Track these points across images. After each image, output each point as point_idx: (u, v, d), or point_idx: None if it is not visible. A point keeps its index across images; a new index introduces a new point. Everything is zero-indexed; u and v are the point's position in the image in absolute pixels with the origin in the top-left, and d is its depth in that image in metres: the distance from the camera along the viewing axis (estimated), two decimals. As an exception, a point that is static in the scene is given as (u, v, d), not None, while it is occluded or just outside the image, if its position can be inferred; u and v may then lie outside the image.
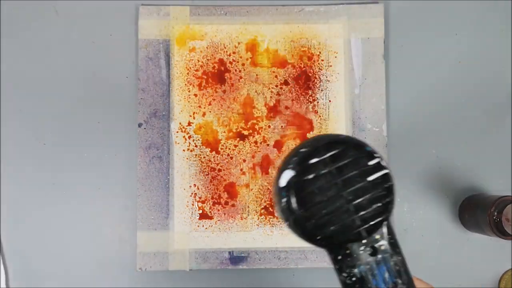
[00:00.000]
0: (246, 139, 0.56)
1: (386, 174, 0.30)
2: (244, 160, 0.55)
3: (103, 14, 0.57)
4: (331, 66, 0.56)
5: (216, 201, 0.55)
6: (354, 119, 0.56)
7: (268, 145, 0.56)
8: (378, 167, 0.30)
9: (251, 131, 0.56)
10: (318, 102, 0.56)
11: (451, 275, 0.56)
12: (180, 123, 0.56)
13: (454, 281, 0.56)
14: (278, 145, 0.56)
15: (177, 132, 0.55)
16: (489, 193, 0.56)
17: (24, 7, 0.57)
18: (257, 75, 0.56)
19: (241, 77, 0.56)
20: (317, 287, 0.56)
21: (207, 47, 0.56)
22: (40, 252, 0.55)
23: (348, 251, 0.30)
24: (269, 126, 0.56)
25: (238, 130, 0.56)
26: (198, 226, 0.55)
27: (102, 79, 0.57)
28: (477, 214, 0.52)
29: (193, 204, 0.55)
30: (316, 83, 0.56)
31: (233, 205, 0.55)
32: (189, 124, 0.56)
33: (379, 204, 0.30)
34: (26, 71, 0.56)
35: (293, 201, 0.30)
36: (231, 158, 0.55)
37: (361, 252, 0.31)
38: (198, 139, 0.56)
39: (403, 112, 0.57)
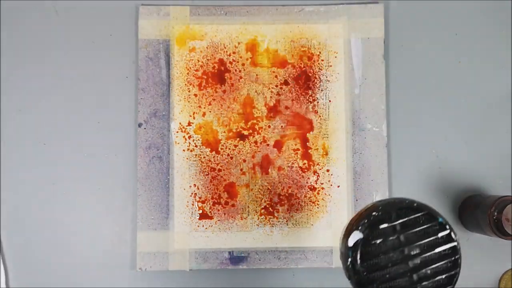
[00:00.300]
0: (246, 139, 0.56)
1: (454, 247, 0.31)
2: (244, 160, 0.55)
3: (103, 14, 0.57)
4: (331, 66, 0.56)
5: (216, 201, 0.55)
6: (354, 119, 0.56)
7: (268, 145, 0.56)
8: (449, 239, 0.31)
9: (251, 131, 0.56)
10: (318, 102, 0.56)
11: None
12: (180, 123, 0.56)
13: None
14: (278, 145, 0.56)
15: (177, 132, 0.55)
16: (489, 193, 0.56)
17: (24, 7, 0.57)
18: (257, 75, 0.56)
19: (241, 77, 0.56)
20: (317, 287, 0.56)
21: (207, 47, 0.56)
22: (40, 252, 0.55)
23: None
24: (269, 126, 0.56)
25: (238, 130, 0.56)
26: (198, 226, 0.55)
27: (102, 79, 0.57)
28: (477, 214, 0.52)
29: (193, 204, 0.55)
30: (316, 83, 0.56)
31: (233, 205, 0.55)
32: (189, 124, 0.56)
33: (442, 277, 0.30)
34: (26, 71, 0.56)
35: (359, 262, 0.31)
36: (231, 158, 0.55)
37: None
38: (198, 139, 0.56)
39: (403, 112, 0.57)
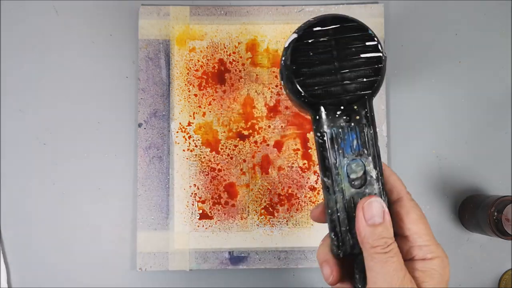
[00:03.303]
0: (246, 139, 0.56)
1: (379, 57, 0.34)
2: (244, 160, 0.55)
3: (103, 14, 0.57)
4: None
5: (216, 201, 0.55)
6: (354, 119, 0.56)
7: (268, 145, 0.56)
8: (375, 49, 0.34)
9: (251, 131, 0.56)
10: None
11: (451, 275, 0.56)
12: (180, 123, 0.56)
13: (454, 281, 0.56)
14: (278, 145, 0.56)
15: (177, 132, 0.55)
16: (489, 193, 0.56)
17: (24, 7, 0.57)
18: (257, 75, 0.56)
19: (241, 77, 0.56)
20: (317, 287, 0.56)
21: (207, 47, 0.56)
22: (40, 252, 0.55)
23: (326, 112, 0.33)
24: (269, 126, 0.56)
25: (238, 130, 0.56)
26: (198, 226, 0.55)
27: (102, 79, 0.57)
28: (477, 214, 0.52)
29: (193, 204, 0.55)
30: (316, 83, 0.56)
31: (233, 205, 0.55)
32: (189, 124, 0.56)
33: (364, 80, 0.33)
34: (26, 71, 0.56)
35: (289, 58, 0.34)
36: (231, 158, 0.55)
37: (337, 116, 0.34)
38: (198, 139, 0.56)
39: (403, 112, 0.57)
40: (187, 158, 0.55)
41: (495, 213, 0.49)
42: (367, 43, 0.34)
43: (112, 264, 0.55)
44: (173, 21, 0.56)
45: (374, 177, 0.33)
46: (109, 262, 0.55)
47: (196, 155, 0.55)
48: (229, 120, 0.56)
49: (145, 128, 0.56)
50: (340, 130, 0.33)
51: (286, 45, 0.34)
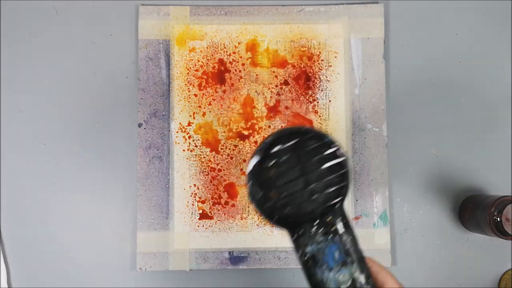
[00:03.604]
0: (246, 139, 0.56)
1: (341, 162, 0.34)
2: (244, 160, 0.55)
3: (103, 14, 0.57)
4: (331, 66, 0.56)
5: (216, 201, 0.55)
6: (354, 119, 0.56)
7: (268, 145, 0.56)
8: (334, 156, 0.34)
9: (251, 131, 0.56)
10: (318, 102, 0.56)
11: (451, 275, 0.56)
12: (180, 123, 0.56)
13: (454, 281, 0.56)
14: (278, 145, 0.56)
15: (177, 132, 0.55)
16: (489, 193, 0.56)
17: (24, 7, 0.57)
18: (257, 75, 0.56)
19: (241, 77, 0.56)
20: (317, 287, 0.56)
21: (207, 47, 0.56)
22: (40, 252, 0.55)
23: (302, 231, 0.33)
24: (269, 126, 0.56)
25: (238, 130, 0.56)
26: (198, 226, 0.55)
27: (102, 79, 0.57)
28: (477, 214, 0.52)
29: (193, 204, 0.55)
30: (316, 83, 0.56)
31: (233, 205, 0.55)
32: (189, 124, 0.56)
33: (332, 189, 0.33)
34: (26, 71, 0.56)
35: (255, 185, 0.34)
36: (231, 158, 0.55)
37: (313, 232, 0.34)
38: (198, 139, 0.56)
39: (403, 112, 0.57)
40: (187, 158, 0.55)
41: (495, 213, 0.49)
42: (326, 152, 0.34)
43: (112, 264, 0.55)
44: (173, 21, 0.56)
45: (363, 281, 0.33)
46: (109, 262, 0.55)
47: (196, 155, 0.55)
48: (229, 120, 0.56)
49: (145, 128, 0.56)
50: (319, 245, 0.33)
51: (249, 169, 0.34)
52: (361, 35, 0.56)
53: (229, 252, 0.55)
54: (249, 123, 0.56)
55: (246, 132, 0.56)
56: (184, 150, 0.55)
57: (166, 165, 0.55)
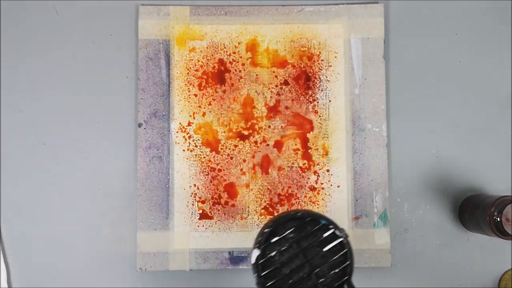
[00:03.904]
0: (246, 139, 0.56)
1: (341, 242, 0.35)
2: (244, 160, 0.55)
3: (103, 14, 0.57)
4: (331, 66, 0.56)
5: (216, 201, 0.55)
6: (354, 119, 0.56)
7: (268, 145, 0.56)
8: (333, 237, 0.35)
9: (251, 131, 0.56)
10: (318, 102, 0.56)
11: (451, 275, 0.56)
12: (180, 123, 0.56)
13: (454, 281, 0.56)
14: (278, 145, 0.56)
15: (177, 132, 0.55)
16: (489, 193, 0.56)
17: (24, 7, 0.57)
18: (257, 75, 0.56)
19: (241, 77, 0.56)
20: (317, 287, 0.56)
21: (207, 47, 0.56)
22: (40, 252, 0.55)
23: None
24: (269, 126, 0.56)
25: (238, 130, 0.56)
26: (198, 226, 0.55)
27: (102, 79, 0.57)
28: (477, 214, 0.52)
29: (193, 204, 0.55)
30: (316, 83, 0.56)
31: (233, 205, 0.55)
32: (189, 124, 0.56)
33: (337, 270, 0.34)
34: (26, 71, 0.56)
35: (262, 276, 0.35)
36: (231, 158, 0.55)
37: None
38: (198, 139, 0.56)
39: (403, 112, 0.57)
40: (187, 158, 0.55)
41: (495, 213, 0.49)
42: (324, 235, 0.35)
43: (112, 264, 0.55)
44: (173, 21, 0.56)
45: None
46: (109, 262, 0.55)
47: (196, 155, 0.55)
48: (229, 120, 0.56)
49: (145, 128, 0.56)
50: None
51: (253, 262, 0.35)
52: (361, 35, 0.56)
53: (229, 252, 0.55)
54: (249, 123, 0.56)
55: (246, 132, 0.56)
56: (184, 150, 0.55)
57: (166, 165, 0.55)
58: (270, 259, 0.35)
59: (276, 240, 0.35)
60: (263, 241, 0.35)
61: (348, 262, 0.35)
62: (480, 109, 0.57)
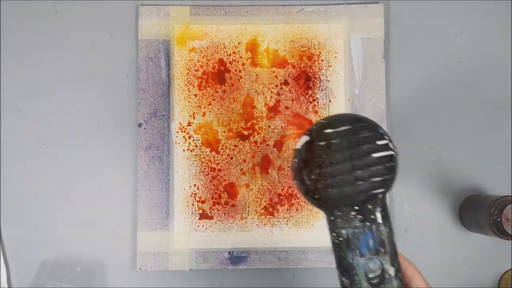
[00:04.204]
0: (246, 139, 0.56)
1: (391, 155, 0.34)
2: (244, 160, 0.55)
3: (103, 14, 0.57)
4: (331, 66, 0.56)
5: (216, 201, 0.55)
6: (354, 119, 0.56)
7: (268, 145, 0.56)
8: (386, 148, 0.34)
9: (251, 131, 0.56)
10: (318, 102, 0.56)
11: (451, 275, 0.56)
12: (180, 123, 0.56)
13: (454, 281, 0.56)
14: (278, 145, 0.56)
15: (177, 132, 0.55)
16: (489, 193, 0.56)
17: (24, 7, 0.57)
18: (257, 75, 0.56)
19: (241, 77, 0.56)
20: (317, 287, 0.56)
21: (207, 47, 0.56)
22: (40, 252, 0.55)
23: (340, 213, 0.34)
24: (269, 126, 0.56)
25: (238, 130, 0.56)
26: (198, 226, 0.55)
27: (102, 79, 0.57)
28: (477, 214, 0.52)
29: (193, 204, 0.55)
30: (316, 83, 0.56)
31: (233, 205, 0.55)
32: (189, 124, 0.56)
33: (377, 179, 0.33)
34: (26, 71, 0.56)
35: (302, 162, 0.34)
36: (231, 158, 0.55)
37: (351, 216, 0.34)
38: (198, 139, 0.56)
39: (403, 112, 0.57)
40: (187, 158, 0.55)
41: (495, 213, 0.49)
42: (378, 142, 0.34)
43: (112, 264, 0.55)
44: (173, 21, 0.56)
45: (393, 274, 0.33)
46: (109, 262, 0.55)
47: (196, 155, 0.55)
48: (229, 120, 0.56)
49: (145, 128, 0.56)
50: (355, 230, 0.33)
51: (299, 146, 0.34)
52: (361, 35, 0.56)
53: (229, 252, 0.55)
54: (249, 123, 0.56)
55: (246, 132, 0.56)
56: (184, 150, 0.55)
57: (166, 165, 0.55)
58: (316, 147, 0.34)
59: (329, 132, 0.34)
60: (315, 130, 0.34)
61: (390, 176, 0.34)
62: (480, 109, 0.57)
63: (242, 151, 0.56)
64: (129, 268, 0.55)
